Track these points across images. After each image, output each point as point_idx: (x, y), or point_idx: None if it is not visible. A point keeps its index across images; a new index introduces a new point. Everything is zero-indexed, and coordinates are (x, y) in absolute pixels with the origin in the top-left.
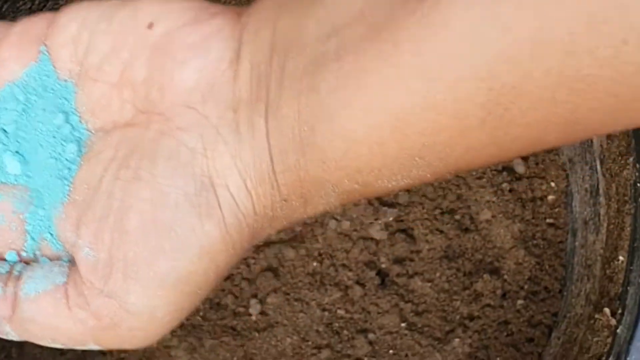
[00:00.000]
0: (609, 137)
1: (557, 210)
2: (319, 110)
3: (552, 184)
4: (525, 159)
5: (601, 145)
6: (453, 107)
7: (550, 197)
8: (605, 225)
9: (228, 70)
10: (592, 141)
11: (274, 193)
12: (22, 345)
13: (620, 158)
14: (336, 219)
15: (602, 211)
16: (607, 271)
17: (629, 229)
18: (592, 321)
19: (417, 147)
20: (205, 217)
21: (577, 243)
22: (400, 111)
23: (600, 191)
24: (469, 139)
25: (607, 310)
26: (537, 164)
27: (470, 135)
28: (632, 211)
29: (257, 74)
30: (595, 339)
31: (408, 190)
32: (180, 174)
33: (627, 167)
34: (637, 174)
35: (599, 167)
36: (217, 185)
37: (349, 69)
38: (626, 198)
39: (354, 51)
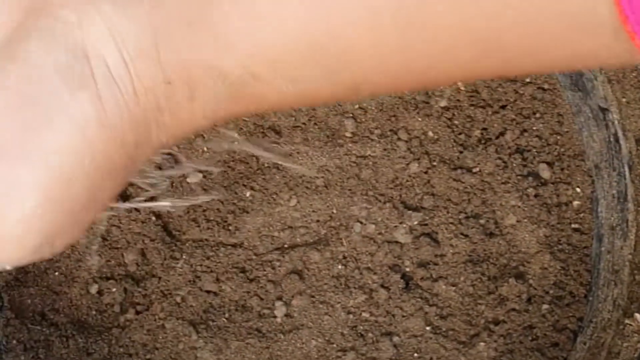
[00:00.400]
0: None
1: (582, 215)
2: None
3: (578, 190)
4: (550, 164)
5: (630, 152)
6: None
7: (576, 203)
8: (633, 231)
9: None
10: (620, 147)
11: (156, 72)
12: (49, 346)
13: None
14: (361, 222)
15: (631, 217)
16: (637, 277)
17: None
18: (621, 326)
19: (323, 38)
20: (76, 88)
21: (603, 249)
22: None
23: (629, 197)
24: (378, 32)
25: (637, 315)
26: (562, 169)
27: (380, 30)
28: None
29: None
30: (625, 344)
31: (433, 194)
32: (52, 48)
33: None
34: None
35: (627, 173)
36: (92, 56)
37: None
38: None
39: None
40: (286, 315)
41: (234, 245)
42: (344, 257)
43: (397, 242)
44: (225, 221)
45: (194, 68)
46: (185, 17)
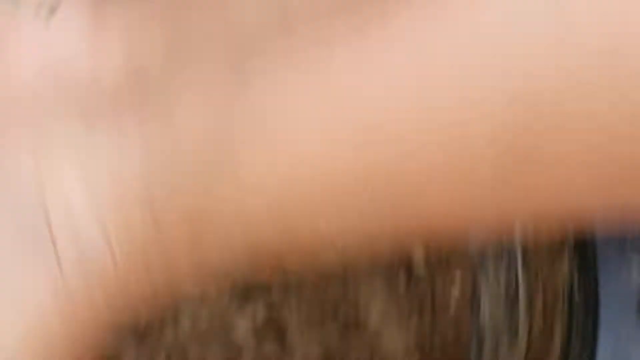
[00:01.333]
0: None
1: (461, 312)
2: (244, 106)
3: (457, 281)
4: (425, 248)
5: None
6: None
7: (454, 297)
8: (525, 335)
9: (80, 40)
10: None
11: (145, 223)
12: None
13: (549, 253)
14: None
15: (522, 317)
16: None
17: (558, 340)
18: None
19: (381, 179)
20: (29, 258)
21: (484, 352)
22: (370, 119)
23: (520, 291)
24: (471, 181)
25: None
26: (439, 257)
27: (471, 179)
28: (565, 320)
29: (134, 49)
30: None
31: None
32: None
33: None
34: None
35: (519, 261)
36: (52, 209)
37: (302, 52)
38: (556, 304)
39: (313, 25)
40: None
41: None
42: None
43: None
44: None
45: (204, 213)
46: (196, 150)
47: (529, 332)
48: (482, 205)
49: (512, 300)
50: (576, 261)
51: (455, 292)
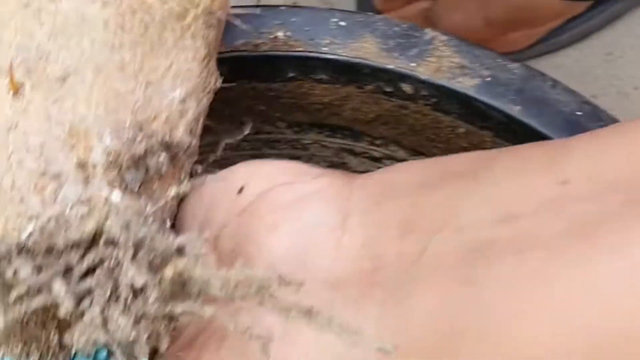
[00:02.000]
0: None
1: None
2: (476, 311)
3: None
4: None
5: None
6: None
7: None
8: None
9: (328, 238)
10: None
11: None
12: None
13: None
14: None
15: None
16: None
17: None
18: None
19: None
20: None
21: None
22: (602, 331)
23: None
24: None
25: None
26: None
27: None
28: None
29: (373, 250)
30: None
31: None
32: None
33: None
34: None
35: None
36: None
37: (535, 267)
38: None
39: (544, 245)
40: None
41: None
42: None
43: None
44: None
45: None
46: (423, 336)
47: None
48: None
49: None
50: None
51: None
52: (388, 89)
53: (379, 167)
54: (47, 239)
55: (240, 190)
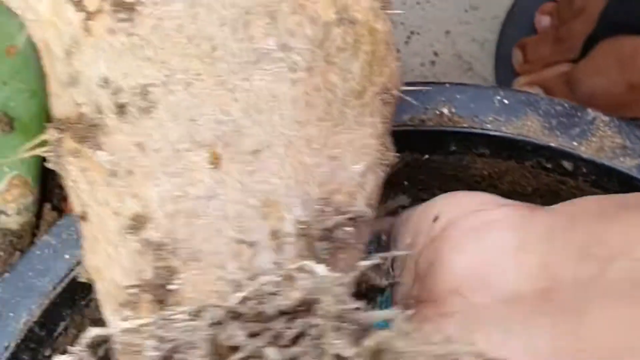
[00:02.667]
0: None
1: None
2: None
3: None
4: None
5: None
6: None
7: None
8: None
9: (509, 259)
10: None
11: None
12: None
13: None
14: None
15: None
16: None
17: None
18: None
19: None
20: None
21: None
22: None
23: None
24: None
25: None
26: None
27: None
28: None
29: (550, 272)
30: None
31: None
32: None
33: None
34: None
35: None
36: None
37: None
38: None
39: None
40: None
41: None
42: None
43: None
44: None
45: None
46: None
47: None
48: None
49: None
50: None
51: None
52: (548, 165)
53: None
54: (257, 306)
55: (435, 219)
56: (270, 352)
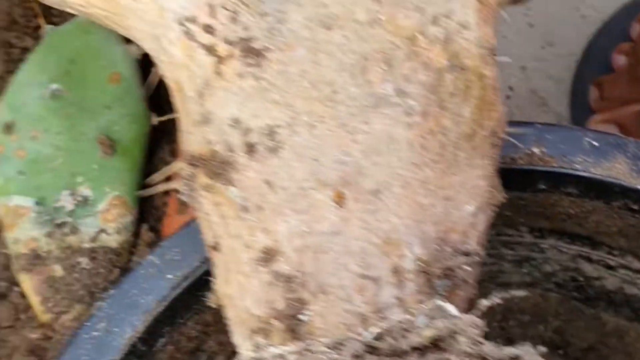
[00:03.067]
0: None
1: None
2: None
3: None
4: None
5: None
6: None
7: None
8: None
9: None
10: None
11: None
12: None
13: None
14: None
15: None
16: None
17: None
18: None
19: None
20: None
21: None
22: None
23: None
24: None
25: None
26: None
27: None
28: None
29: None
30: None
31: None
32: None
33: None
34: None
35: None
36: None
37: None
38: None
39: None
40: None
41: None
42: None
43: None
44: None
45: None
46: None
47: None
48: None
49: None
50: None
51: None
52: (635, 207)
53: (612, 275)
54: (393, 341)
55: None
56: None
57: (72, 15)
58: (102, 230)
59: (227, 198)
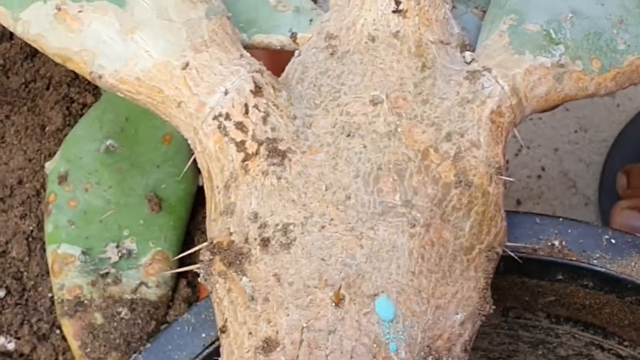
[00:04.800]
0: None
1: None
2: None
3: None
4: None
5: None
6: None
7: None
8: None
9: None
10: None
11: None
12: None
13: None
14: None
15: None
16: None
17: None
18: None
19: None
20: None
21: None
22: None
23: None
24: None
25: None
26: None
27: None
28: None
29: None
30: None
31: None
32: None
33: None
34: None
35: None
36: None
37: None
38: None
39: None
40: None
41: None
42: None
43: None
44: None
45: None
46: None
47: None
48: None
49: None
50: None
51: None
52: None
53: None
54: None
55: None
56: None
57: None
58: (143, 283)
59: (238, 286)
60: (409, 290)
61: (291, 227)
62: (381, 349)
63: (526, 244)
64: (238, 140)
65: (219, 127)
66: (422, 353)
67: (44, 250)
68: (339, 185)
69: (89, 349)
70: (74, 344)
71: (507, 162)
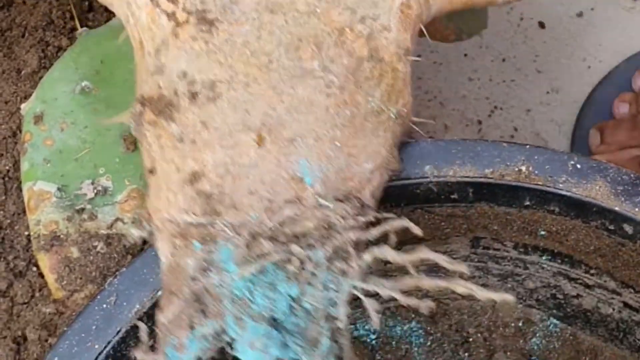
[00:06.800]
0: None
1: None
2: None
3: None
4: None
5: None
6: None
7: None
8: None
9: None
10: None
11: None
12: None
13: None
14: None
15: None
16: None
17: None
18: None
19: None
20: None
21: None
22: None
23: None
24: None
25: None
26: None
27: None
28: None
29: None
30: None
31: None
32: None
33: None
34: None
35: None
36: None
37: None
38: None
39: None
40: None
41: None
42: None
43: None
44: None
45: None
46: None
47: None
48: None
49: None
50: None
51: None
52: (611, 227)
53: (589, 294)
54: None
55: None
56: (294, 248)
57: (106, 20)
58: (119, 219)
59: (167, 132)
60: (325, 139)
61: (218, 83)
62: (298, 182)
63: (494, 170)
64: (169, 11)
65: (152, 0)
66: (335, 190)
67: (20, 190)
68: (263, 51)
69: (65, 282)
70: (50, 277)
71: (480, 122)
